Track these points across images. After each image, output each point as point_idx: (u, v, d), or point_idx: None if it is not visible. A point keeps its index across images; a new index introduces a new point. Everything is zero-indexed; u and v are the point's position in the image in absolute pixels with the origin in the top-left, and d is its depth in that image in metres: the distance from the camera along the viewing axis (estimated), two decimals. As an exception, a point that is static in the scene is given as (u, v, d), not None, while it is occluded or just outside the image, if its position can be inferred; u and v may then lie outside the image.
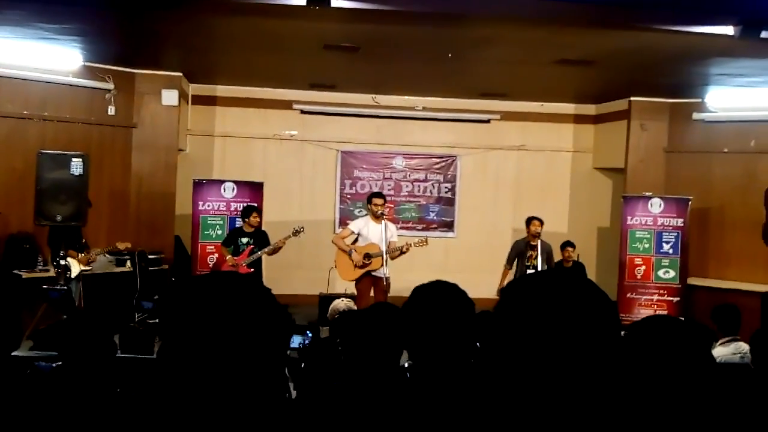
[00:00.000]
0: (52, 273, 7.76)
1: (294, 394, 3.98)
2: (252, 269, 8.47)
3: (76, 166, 7.32)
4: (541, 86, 10.25)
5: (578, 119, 11.66)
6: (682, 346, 1.75)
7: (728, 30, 6.25)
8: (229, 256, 8.49)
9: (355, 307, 5.54)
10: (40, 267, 8.20)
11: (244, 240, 8.53)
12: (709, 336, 1.84)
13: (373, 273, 8.10)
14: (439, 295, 2.19)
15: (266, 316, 1.34)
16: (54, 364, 3.18)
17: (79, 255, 7.85)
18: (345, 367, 2.70)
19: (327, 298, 8.08)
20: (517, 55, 8.14)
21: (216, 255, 9.49)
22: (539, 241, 8.71)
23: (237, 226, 9.07)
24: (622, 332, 1.60)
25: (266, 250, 8.50)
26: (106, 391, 2.46)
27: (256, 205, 9.14)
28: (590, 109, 11.58)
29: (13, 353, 3.05)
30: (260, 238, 8.56)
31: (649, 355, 1.76)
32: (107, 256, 8.51)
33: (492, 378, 1.34)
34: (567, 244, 9.45)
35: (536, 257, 8.62)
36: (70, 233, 7.62)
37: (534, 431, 1.24)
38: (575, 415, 1.24)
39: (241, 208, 9.36)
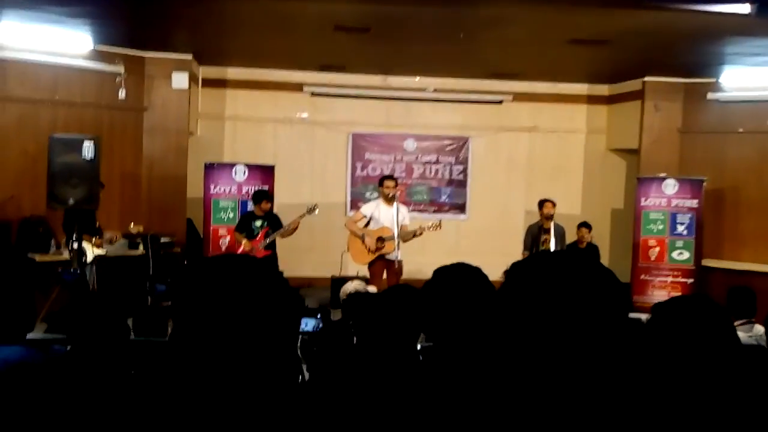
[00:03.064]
0: (65, 256, 7.79)
1: (307, 376, 3.99)
2: (269, 251, 8.47)
3: (88, 150, 7.33)
4: (554, 66, 10.16)
5: (591, 100, 11.56)
6: (711, 327, 1.73)
7: (744, 8, 6.15)
8: (244, 241, 8.47)
9: (366, 289, 5.55)
10: (53, 250, 8.23)
11: (258, 223, 8.52)
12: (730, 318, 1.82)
13: (387, 256, 8.09)
14: (461, 278, 2.16)
15: (277, 299, 1.33)
16: (67, 347, 3.19)
17: (94, 239, 7.88)
18: (358, 349, 2.70)
19: (339, 281, 8.09)
20: (529, 35, 8.06)
21: (228, 238, 9.51)
22: (552, 223, 8.65)
23: (248, 210, 9.06)
24: (644, 316, 1.57)
25: (281, 231, 8.48)
26: (119, 374, 2.46)
27: (267, 190, 9.10)
28: (603, 89, 11.47)
29: (28, 336, 3.07)
30: (273, 221, 8.56)
31: (677, 335, 1.73)
32: (123, 240, 8.54)
33: (497, 358, 1.32)
34: (583, 225, 9.40)
35: (550, 241, 8.57)
36: (84, 217, 7.65)
37: (539, 414, 1.22)
38: (580, 396, 1.22)
39: (252, 191, 9.35)
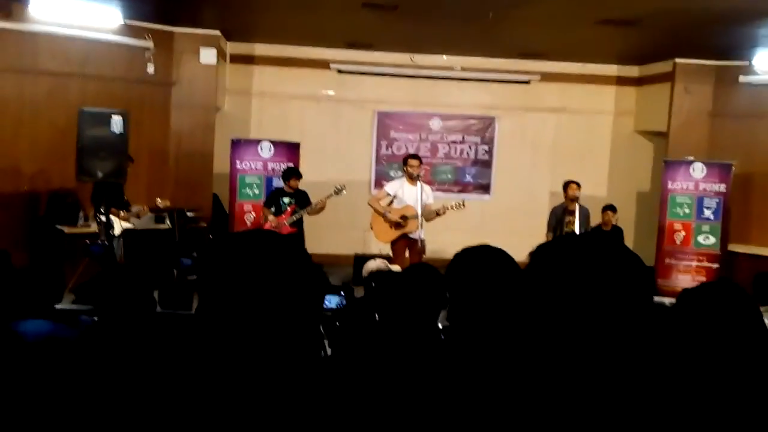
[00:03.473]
0: (93, 229, 7.90)
1: (329, 351, 4.03)
2: (295, 228, 8.52)
3: (117, 124, 7.40)
4: (583, 47, 10.04)
5: (620, 81, 11.43)
6: (737, 313, 1.73)
7: (780, -11, 6.04)
8: (271, 216, 8.52)
9: (389, 267, 5.57)
10: (81, 222, 8.35)
11: (286, 200, 8.56)
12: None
13: (410, 235, 8.10)
14: (485, 260, 2.16)
15: (301, 275, 1.35)
16: (95, 318, 3.25)
17: (121, 212, 7.97)
18: (380, 326, 2.72)
19: (362, 259, 8.12)
20: (558, 15, 7.96)
21: (253, 214, 9.57)
22: (577, 205, 8.59)
23: (276, 186, 9.10)
24: (668, 300, 1.57)
25: (308, 209, 8.52)
26: (145, 345, 2.51)
27: (297, 168, 9.12)
28: (633, 70, 11.32)
29: (56, 306, 3.14)
30: (302, 198, 8.59)
31: (703, 321, 1.73)
32: (150, 213, 8.63)
33: (521, 341, 1.33)
34: (608, 208, 9.33)
35: (574, 223, 8.52)
36: (112, 190, 7.74)
37: (561, 398, 1.23)
38: (604, 380, 1.22)
39: (277, 168, 9.37)
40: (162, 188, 9.57)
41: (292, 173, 8.67)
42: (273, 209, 8.57)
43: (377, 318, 3.99)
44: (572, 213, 8.58)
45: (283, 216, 8.50)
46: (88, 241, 7.69)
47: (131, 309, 2.76)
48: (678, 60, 10.30)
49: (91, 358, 2.11)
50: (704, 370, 1.72)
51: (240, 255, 1.34)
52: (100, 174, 7.33)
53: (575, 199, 8.59)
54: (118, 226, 7.89)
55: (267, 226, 8.41)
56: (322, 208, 8.58)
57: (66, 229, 8.11)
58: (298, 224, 8.59)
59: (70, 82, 8.92)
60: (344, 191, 8.61)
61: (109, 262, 7.44)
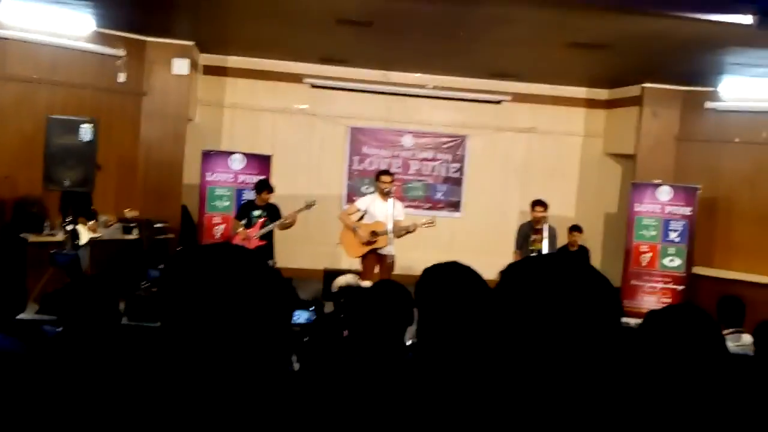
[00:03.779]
0: (59, 237, 7.79)
1: (296, 366, 4.01)
2: (264, 241, 8.47)
3: (85, 132, 7.33)
4: (553, 69, 10.18)
5: (590, 103, 11.60)
6: (700, 337, 1.76)
7: (746, 19, 6.17)
8: (240, 229, 8.47)
9: (359, 283, 5.57)
10: (47, 231, 8.22)
11: (257, 213, 8.51)
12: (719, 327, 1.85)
13: (379, 251, 8.11)
14: (453, 277, 2.16)
15: (268, 289, 1.34)
16: (58, 329, 3.20)
17: (89, 223, 7.87)
18: (348, 343, 2.72)
19: (332, 274, 8.11)
20: (530, 36, 8.07)
21: (223, 226, 9.51)
22: (547, 224, 8.63)
23: (248, 199, 9.05)
24: (633, 321, 1.59)
25: (278, 223, 8.47)
26: (109, 357, 2.47)
27: (269, 181, 9.08)
28: (602, 93, 11.50)
29: (18, 316, 3.07)
30: (273, 212, 8.55)
31: (668, 344, 1.76)
32: (118, 223, 8.53)
33: (487, 359, 1.34)
34: (574, 228, 9.43)
35: (540, 241, 8.58)
36: (80, 200, 7.64)
37: (528, 416, 1.24)
38: (570, 399, 1.23)
39: (248, 180, 9.34)
40: (131, 198, 9.47)
41: (264, 186, 8.63)
42: (244, 222, 8.52)
43: (346, 334, 3.98)
44: (538, 231, 8.64)
45: (253, 229, 8.46)
46: (53, 251, 7.57)
47: (96, 320, 2.72)
48: (646, 84, 10.48)
49: (46, 370, 2.07)
50: (668, 391, 1.74)
51: (206, 268, 1.33)
52: (67, 183, 7.24)
53: (540, 220, 8.63)
54: (85, 235, 7.79)
55: (237, 238, 8.35)
56: (292, 223, 8.54)
57: (31, 238, 7.97)
58: (268, 237, 8.54)
59: (38, 88, 8.80)
60: (315, 205, 8.59)
61: (74, 272, 7.33)
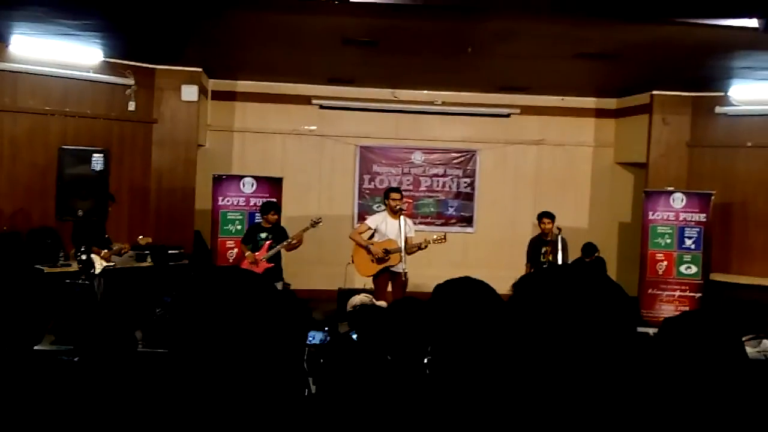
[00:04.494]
0: (74, 267, 7.82)
1: (313, 389, 3.98)
2: (272, 264, 8.46)
3: (97, 162, 7.37)
4: (562, 80, 10.17)
5: (599, 113, 11.57)
6: (719, 342, 1.73)
7: (753, 22, 6.15)
8: (248, 253, 8.46)
9: (373, 302, 5.54)
10: (62, 262, 8.26)
11: (263, 235, 8.52)
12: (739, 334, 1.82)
13: (391, 268, 8.09)
14: (465, 293, 2.14)
15: (283, 311, 1.33)
16: (76, 358, 3.20)
17: (102, 251, 7.90)
18: (365, 362, 2.69)
19: (346, 293, 8.08)
20: (537, 49, 8.07)
21: (236, 250, 9.53)
22: (559, 236, 8.60)
23: (255, 222, 9.06)
24: (651, 330, 1.57)
25: (284, 244, 8.46)
26: (126, 384, 2.47)
27: (275, 201, 9.10)
28: (611, 103, 11.48)
29: (35, 347, 3.08)
30: (279, 233, 8.55)
31: (686, 350, 1.73)
32: (131, 251, 8.56)
33: (504, 373, 1.32)
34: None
35: (552, 253, 8.55)
36: (93, 229, 7.68)
37: (545, 428, 1.22)
38: (589, 410, 1.22)
39: (260, 204, 9.36)
40: (143, 225, 9.51)
41: (271, 207, 8.62)
42: (250, 246, 8.51)
43: (362, 354, 3.95)
44: (548, 243, 8.63)
45: (260, 252, 8.45)
46: (68, 281, 7.60)
47: (112, 348, 2.72)
48: (655, 92, 10.45)
49: (71, 396, 2.07)
50: (687, 398, 1.71)
51: (219, 292, 1.33)
52: (80, 212, 7.28)
53: (549, 232, 8.62)
54: (99, 264, 7.82)
55: (245, 263, 8.34)
56: (299, 243, 8.53)
57: (46, 269, 8.02)
58: (276, 259, 8.52)
59: (50, 120, 8.89)
60: (320, 223, 8.57)
61: (89, 301, 7.35)
